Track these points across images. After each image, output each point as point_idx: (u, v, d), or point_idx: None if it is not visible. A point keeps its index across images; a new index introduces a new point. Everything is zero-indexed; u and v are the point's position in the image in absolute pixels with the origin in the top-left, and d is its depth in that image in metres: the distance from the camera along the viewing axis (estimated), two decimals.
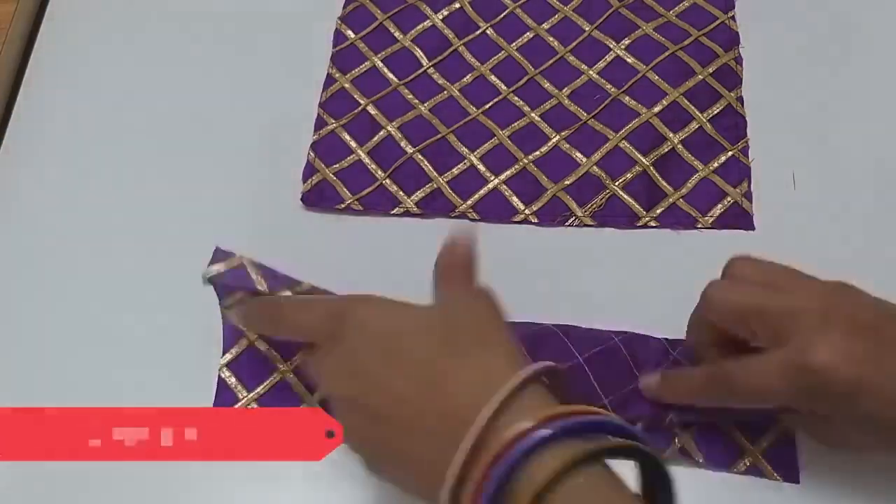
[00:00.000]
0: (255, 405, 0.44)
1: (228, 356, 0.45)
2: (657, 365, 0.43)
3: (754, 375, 0.36)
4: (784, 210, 0.48)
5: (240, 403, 0.44)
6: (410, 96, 0.52)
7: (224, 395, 0.44)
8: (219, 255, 0.43)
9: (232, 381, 0.45)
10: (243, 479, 0.43)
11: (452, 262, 0.37)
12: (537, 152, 0.50)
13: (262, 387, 0.44)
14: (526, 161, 0.50)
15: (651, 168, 0.49)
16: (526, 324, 0.44)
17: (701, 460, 0.42)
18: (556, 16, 0.55)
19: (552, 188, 0.49)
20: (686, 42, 0.53)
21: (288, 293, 0.41)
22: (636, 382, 0.42)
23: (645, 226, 0.48)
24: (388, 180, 0.50)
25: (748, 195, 0.48)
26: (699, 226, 0.48)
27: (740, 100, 0.51)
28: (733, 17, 0.54)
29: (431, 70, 0.53)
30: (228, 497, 0.43)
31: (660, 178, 0.49)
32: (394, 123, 0.51)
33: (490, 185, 0.49)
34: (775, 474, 0.42)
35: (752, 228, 0.48)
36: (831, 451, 0.41)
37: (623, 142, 0.50)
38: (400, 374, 0.33)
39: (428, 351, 0.33)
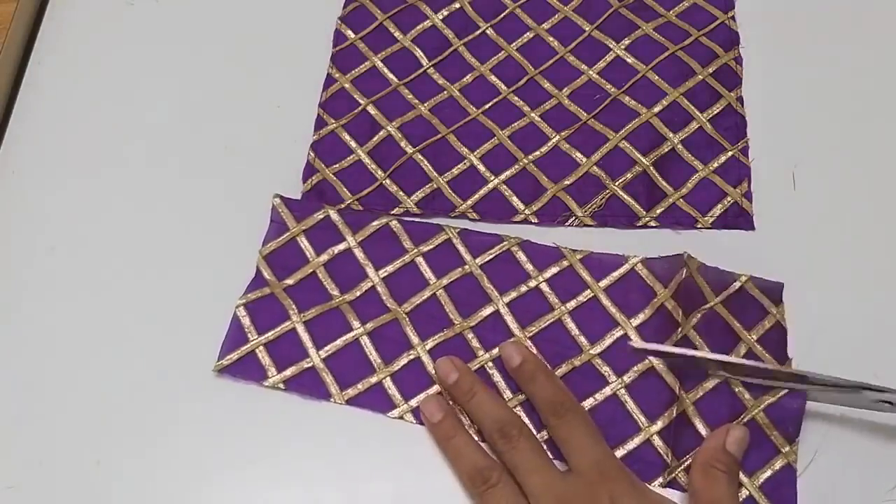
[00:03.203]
0: (262, 349, 0.45)
1: (250, 295, 0.46)
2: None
3: None
4: (784, 210, 0.48)
5: (248, 345, 0.45)
6: (410, 96, 0.52)
7: (234, 334, 0.45)
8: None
9: (246, 321, 0.46)
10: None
11: None
12: (537, 152, 0.50)
13: (272, 332, 0.45)
14: (526, 161, 0.50)
15: (651, 168, 0.49)
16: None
17: None
18: (556, 16, 0.55)
19: (552, 188, 0.49)
20: (686, 42, 0.53)
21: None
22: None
23: (645, 226, 0.48)
24: (388, 180, 0.50)
25: (748, 195, 0.48)
26: (699, 226, 0.48)
27: (740, 100, 0.51)
28: (733, 17, 0.54)
29: (431, 70, 0.53)
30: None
31: (660, 178, 0.49)
32: (394, 123, 0.51)
33: (490, 185, 0.49)
34: None
35: (752, 228, 0.47)
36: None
37: (623, 142, 0.50)
38: None
39: None
